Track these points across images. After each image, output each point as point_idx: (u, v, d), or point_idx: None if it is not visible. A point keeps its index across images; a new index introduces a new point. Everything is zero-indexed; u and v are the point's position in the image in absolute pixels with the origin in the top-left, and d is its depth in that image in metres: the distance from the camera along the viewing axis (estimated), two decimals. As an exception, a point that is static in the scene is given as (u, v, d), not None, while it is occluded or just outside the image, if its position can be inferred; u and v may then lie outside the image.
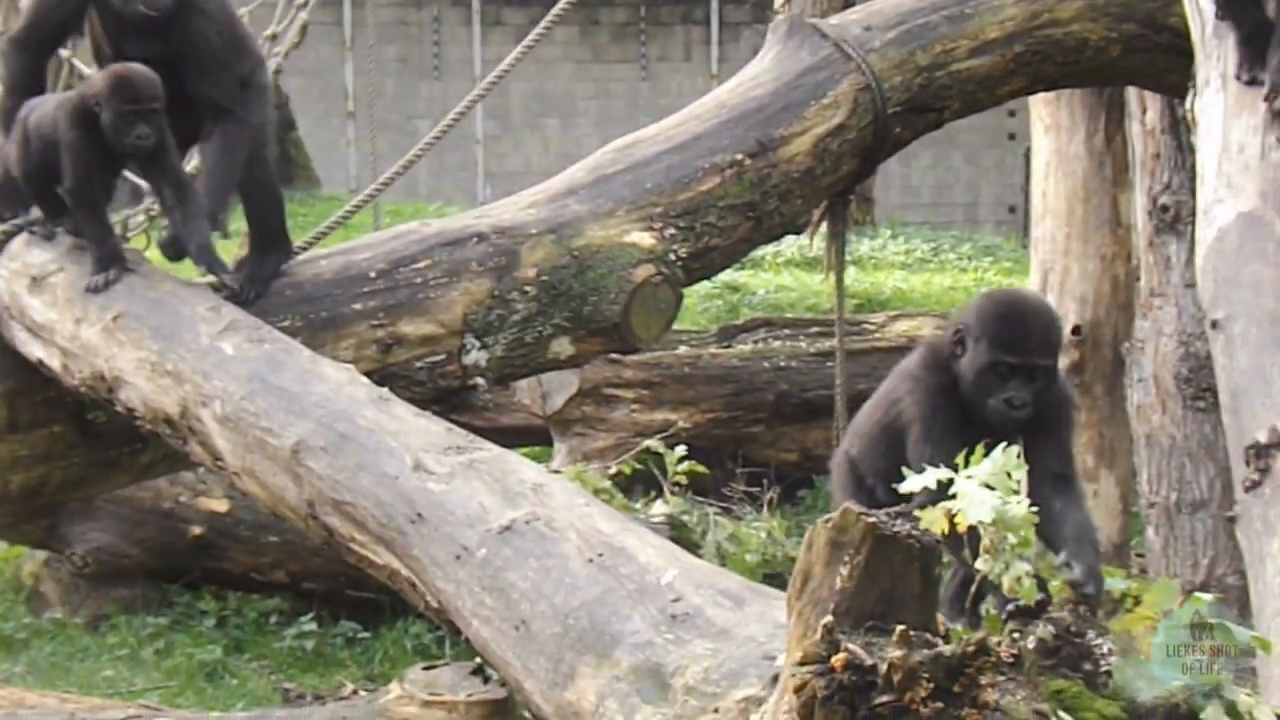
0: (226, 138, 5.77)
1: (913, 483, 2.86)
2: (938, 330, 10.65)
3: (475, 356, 6.11)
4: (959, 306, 13.21)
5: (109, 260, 5.52)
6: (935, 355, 3.30)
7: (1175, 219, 6.39)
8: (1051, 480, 3.20)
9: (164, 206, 5.77)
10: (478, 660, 5.19)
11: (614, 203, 6.43)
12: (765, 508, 8.38)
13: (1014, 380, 3.05)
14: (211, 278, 5.63)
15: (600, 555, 4.18)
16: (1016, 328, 3.09)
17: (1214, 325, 5.05)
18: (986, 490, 2.79)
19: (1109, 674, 2.85)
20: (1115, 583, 3.03)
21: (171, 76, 5.69)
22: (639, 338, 6.47)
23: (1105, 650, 2.95)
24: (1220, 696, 2.86)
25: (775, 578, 5.94)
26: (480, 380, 6.25)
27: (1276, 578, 4.06)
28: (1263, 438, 4.42)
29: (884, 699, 2.71)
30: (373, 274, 5.94)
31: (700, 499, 7.96)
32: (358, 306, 5.86)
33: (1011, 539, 2.83)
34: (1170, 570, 6.54)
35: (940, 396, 3.21)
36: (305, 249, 6.23)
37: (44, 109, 5.73)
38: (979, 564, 2.84)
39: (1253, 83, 4.89)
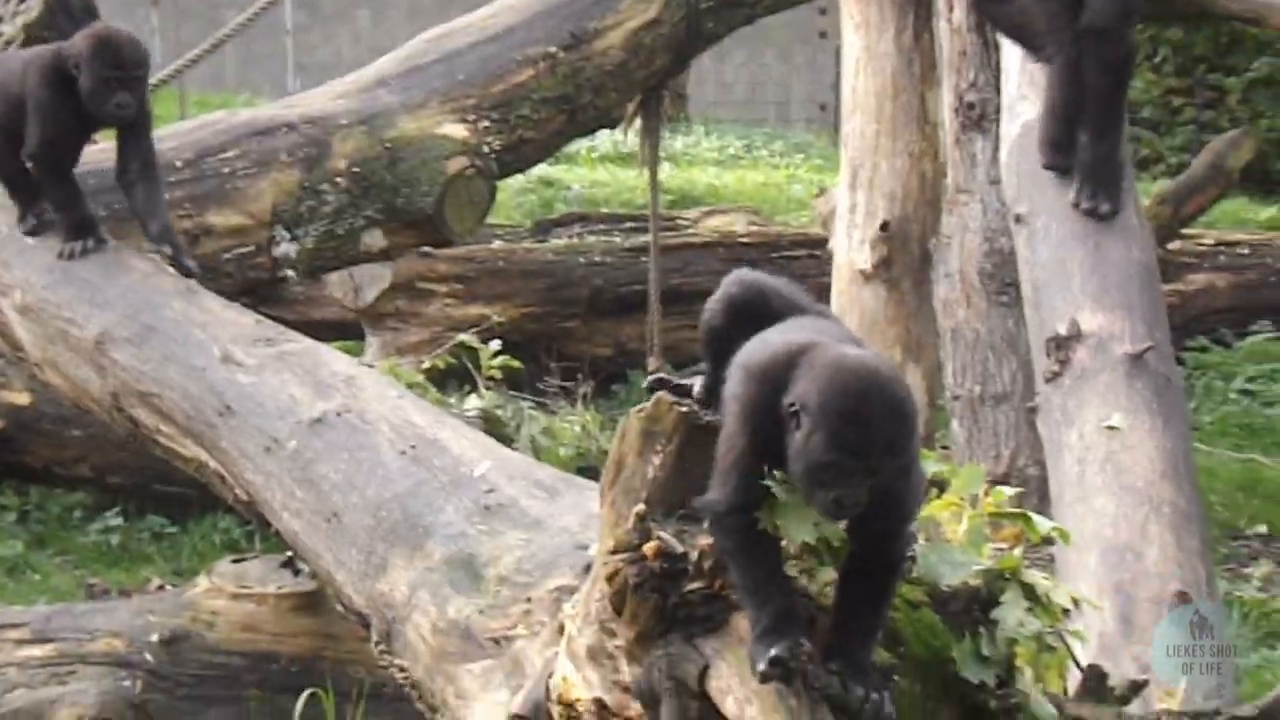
0: None
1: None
2: (752, 226, 10.74)
3: (285, 248, 6.01)
4: (770, 203, 13.37)
5: (82, 229, 5.13)
6: (761, 402, 2.66)
7: (981, 116, 6.50)
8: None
9: (123, 180, 5.29)
10: (288, 553, 5.16)
11: (426, 94, 6.34)
12: (580, 402, 8.39)
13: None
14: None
15: (413, 447, 4.16)
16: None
17: (1017, 220, 5.17)
18: (805, 508, 2.68)
19: (914, 559, 2.91)
20: (926, 464, 3.07)
21: None
22: (453, 230, 6.42)
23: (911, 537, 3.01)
24: (1019, 580, 2.94)
25: (589, 471, 5.95)
26: (290, 272, 6.15)
27: (1074, 467, 4.19)
28: (1063, 330, 4.54)
29: (695, 585, 2.74)
30: (179, 163, 5.78)
31: (515, 393, 7.94)
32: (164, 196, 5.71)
33: (826, 558, 2.78)
34: (973, 462, 6.71)
35: (756, 455, 2.65)
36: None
37: (10, 66, 5.30)
38: (787, 569, 2.77)
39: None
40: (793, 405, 2.58)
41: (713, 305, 3.02)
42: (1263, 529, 7.60)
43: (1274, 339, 10.54)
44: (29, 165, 5.24)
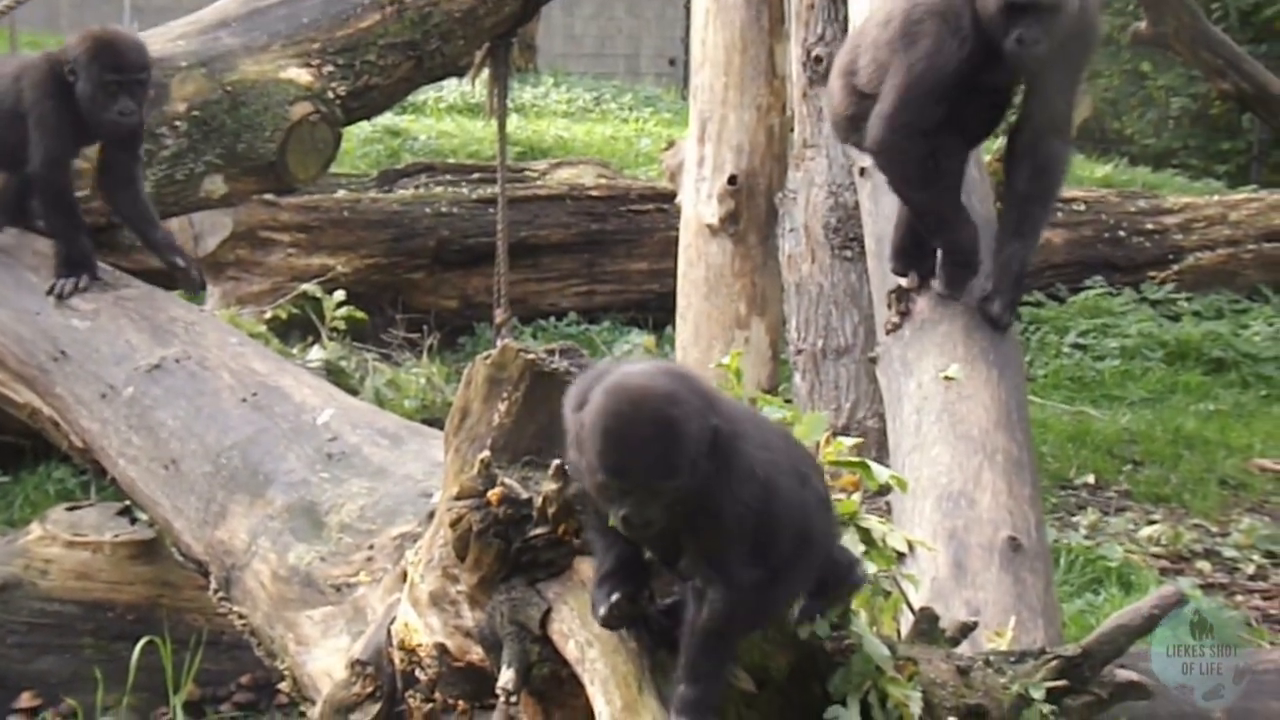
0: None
1: None
2: (600, 179, 10.75)
3: (124, 193, 5.89)
4: (619, 156, 13.39)
5: (81, 264, 4.77)
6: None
7: (828, 71, 6.52)
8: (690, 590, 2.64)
9: (104, 184, 4.97)
10: (125, 502, 5.08)
11: (269, 37, 6.25)
12: (425, 354, 8.34)
13: (626, 499, 2.50)
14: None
15: (254, 395, 4.13)
16: (617, 451, 2.48)
17: (862, 173, 5.23)
18: None
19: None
20: (771, 410, 3.11)
21: None
22: (296, 178, 6.34)
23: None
24: (856, 525, 3.00)
25: (434, 423, 5.95)
26: (128, 218, 6.03)
27: (912, 416, 4.25)
28: (904, 281, 4.61)
29: (538, 531, 2.74)
30: (10, 103, 5.64)
31: (359, 345, 7.88)
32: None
33: None
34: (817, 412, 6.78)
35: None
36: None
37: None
38: None
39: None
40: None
41: None
42: (1090, 479, 7.80)
43: (1105, 294, 10.81)
44: (36, 186, 4.88)
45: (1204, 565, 6.82)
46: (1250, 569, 6.82)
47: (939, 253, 4.48)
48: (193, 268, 4.90)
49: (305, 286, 7.64)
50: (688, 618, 2.61)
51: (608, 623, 2.62)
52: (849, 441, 3.18)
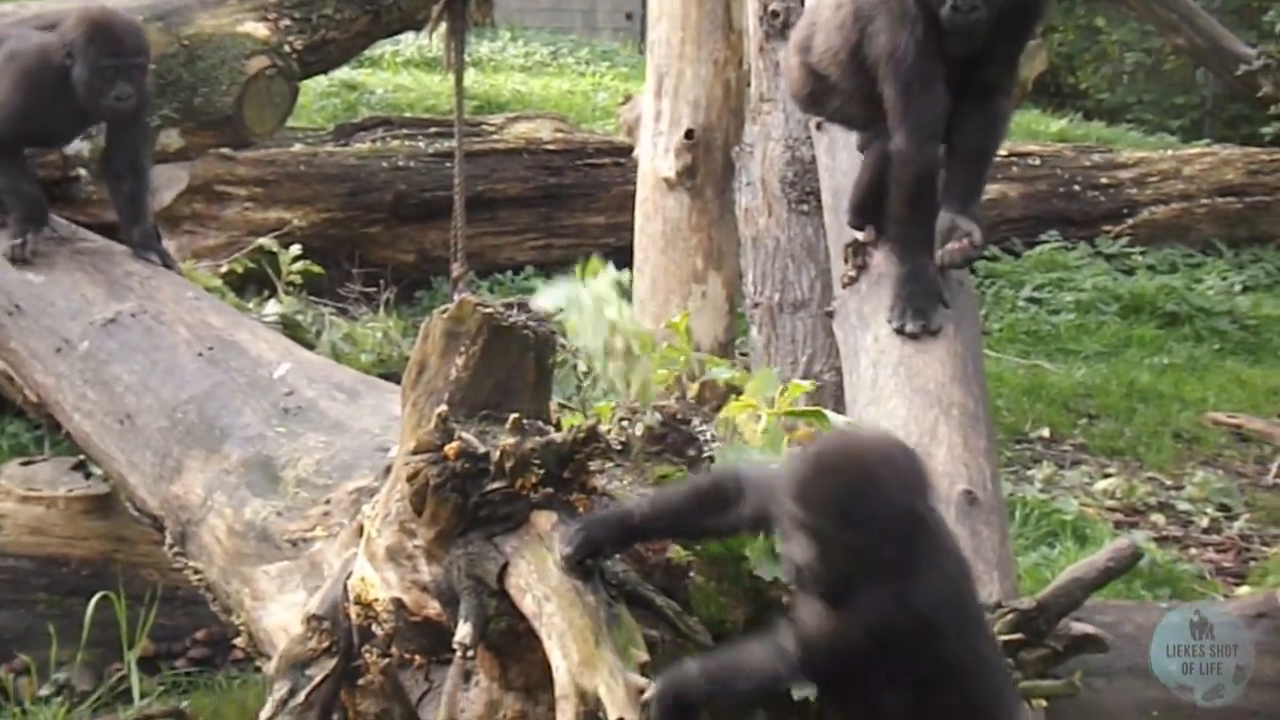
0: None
1: (542, 299, 2.81)
2: (557, 133, 10.72)
3: (77, 146, 5.85)
4: (576, 110, 13.35)
5: (34, 219, 4.71)
6: None
7: (785, 25, 6.50)
8: None
9: (108, 172, 4.90)
10: (80, 456, 5.06)
11: (225, -10, 6.21)
12: (382, 308, 8.32)
13: (805, 537, 2.53)
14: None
15: (211, 349, 4.11)
16: (815, 485, 2.50)
17: (818, 127, 5.24)
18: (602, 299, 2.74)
19: (711, 459, 2.95)
20: (719, 372, 3.13)
21: None
22: (252, 131, 6.32)
23: (708, 436, 3.06)
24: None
25: (391, 378, 5.94)
26: (83, 171, 6.01)
27: (869, 369, 4.26)
28: (861, 235, 4.62)
29: (496, 485, 2.74)
30: (-38, 55, 5.58)
31: (315, 299, 7.84)
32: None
33: (635, 345, 2.81)
34: (771, 368, 6.79)
35: None
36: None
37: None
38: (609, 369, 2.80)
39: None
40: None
41: None
42: (1045, 432, 7.86)
43: (1061, 248, 10.86)
44: None
45: (1158, 518, 6.88)
46: (1204, 522, 6.89)
47: (896, 282, 4.41)
48: (173, 268, 4.80)
49: (261, 240, 7.60)
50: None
51: (568, 559, 2.64)
52: (805, 384, 3.21)
